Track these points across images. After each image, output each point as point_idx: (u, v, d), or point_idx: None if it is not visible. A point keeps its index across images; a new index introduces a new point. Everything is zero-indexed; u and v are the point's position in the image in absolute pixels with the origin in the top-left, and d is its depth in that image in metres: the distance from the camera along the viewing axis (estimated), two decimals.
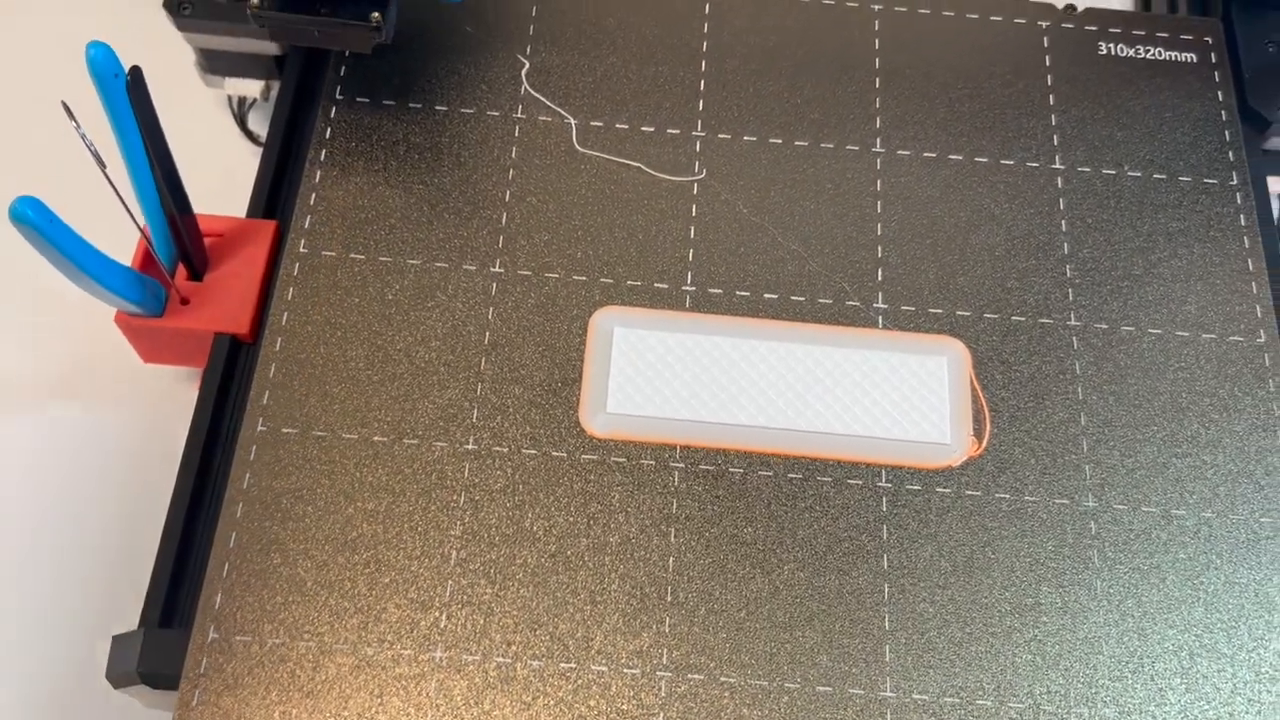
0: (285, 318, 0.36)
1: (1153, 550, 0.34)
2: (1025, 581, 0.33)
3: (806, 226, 0.39)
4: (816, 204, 0.39)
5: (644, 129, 0.40)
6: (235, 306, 0.37)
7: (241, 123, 0.46)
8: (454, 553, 0.33)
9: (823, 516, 0.34)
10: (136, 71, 0.32)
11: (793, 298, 0.37)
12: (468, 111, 0.40)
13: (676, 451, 0.35)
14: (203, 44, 0.44)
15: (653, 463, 0.35)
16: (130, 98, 0.31)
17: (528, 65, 0.40)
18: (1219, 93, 0.42)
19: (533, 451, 0.35)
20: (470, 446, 0.34)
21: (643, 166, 0.39)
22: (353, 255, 0.37)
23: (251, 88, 0.45)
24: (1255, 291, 0.38)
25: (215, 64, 0.45)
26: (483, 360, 0.36)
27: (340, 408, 0.35)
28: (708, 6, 0.42)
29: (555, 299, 0.37)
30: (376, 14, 0.35)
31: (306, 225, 0.38)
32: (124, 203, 0.34)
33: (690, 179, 0.39)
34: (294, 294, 0.36)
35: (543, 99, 0.40)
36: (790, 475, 0.35)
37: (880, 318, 0.37)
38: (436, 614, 0.32)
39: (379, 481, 0.34)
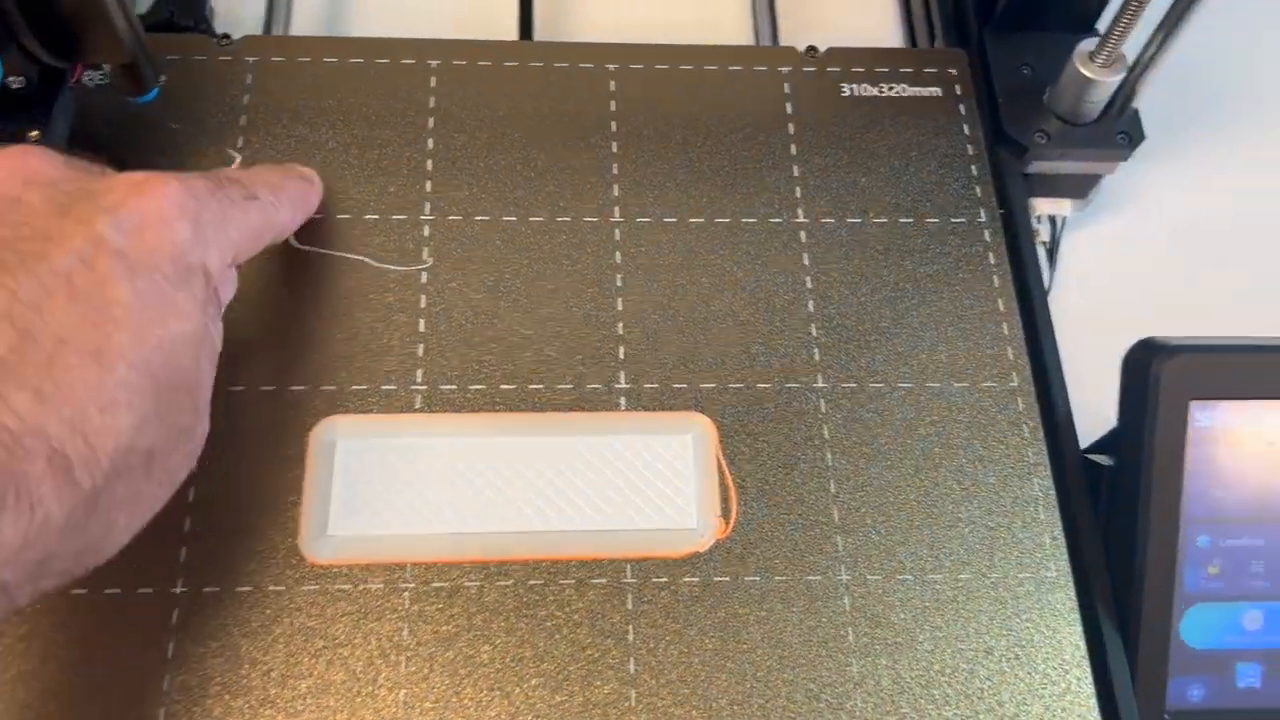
0: None
1: (909, 621, 0.33)
2: (777, 670, 0.32)
3: (544, 308, 0.37)
4: (555, 282, 0.37)
5: (368, 217, 0.38)
6: None
7: None
8: (160, 711, 0.30)
9: (565, 624, 0.32)
10: None
11: (531, 386, 0.36)
12: None
13: (407, 570, 0.33)
14: None
15: (381, 586, 0.32)
16: None
17: (238, 159, 0.38)
18: (965, 126, 0.41)
19: (248, 588, 0.32)
20: (179, 590, 0.32)
21: (366, 259, 0.37)
22: None
23: None
24: (1006, 333, 0.37)
25: None
26: (190, 491, 0.33)
27: None
28: (433, 79, 0.40)
29: (273, 413, 0.34)
30: (34, 132, 0.32)
31: None
32: None
33: (418, 268, 0.37)
34: None
35: None
36: (531, 582, 0.33)
37: (623, 399, 0.36)
38: None
39: (77, 639, 0.31)
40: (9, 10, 0.30)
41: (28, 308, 0.24)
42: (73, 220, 0.26)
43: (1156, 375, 0.34)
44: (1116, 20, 0.39)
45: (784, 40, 0.46)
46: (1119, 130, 0.43)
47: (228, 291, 0.34)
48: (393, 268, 0.37)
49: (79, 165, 0.29)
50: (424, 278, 0.37)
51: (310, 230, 0.37)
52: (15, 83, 0.32)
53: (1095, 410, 0.38)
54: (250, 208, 0.31)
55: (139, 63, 0.34)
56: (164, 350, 0.26)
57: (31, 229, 0.25)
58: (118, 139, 0.38)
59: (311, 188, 0.36)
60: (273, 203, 0.32)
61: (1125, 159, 0.43)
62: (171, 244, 0.27)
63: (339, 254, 0.37)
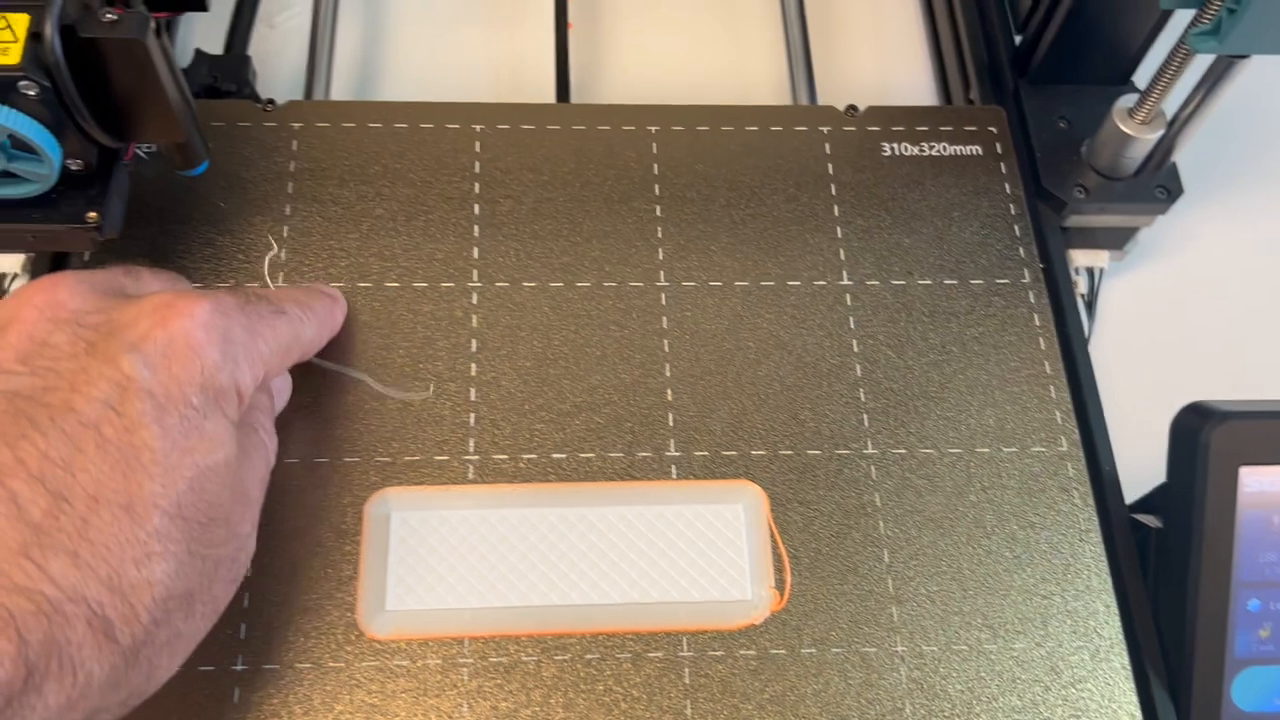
0: None
1: (966, 692, 0.33)
2: None
3: (593, 375, 0.37)
4: (602, 349, 0.37)
5: (416, 285, 0.38)
6: None
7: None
8: None
9: (623, 699, 0.32)
10: None
11: (582, 455, 0.36)
12: (223, 285, 0.37)
13: (465, 645, 0.33)
14: None
15: (439, 661, 0.32)
16: None
17: (275, 249, 0.38)
18: (1006, 185, 0.41)
19: (307, 665, 0.32)
20: (239, 667, 0.32)
21: (367, 379, 0.36)
22: None
23: (11, 263, 0.43)
24: (1054, 396, 0.37)
25: None
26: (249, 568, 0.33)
27: None
28: (477, 144, 0.41)
29: (326, 487, 0.35)
30: (94, 214, 0.32)
31: None
32: None
33: (419, 396, 0.36)
34: None
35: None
36: (588, 656, 0.33)
37: (673, 467, 0.36)
38: None
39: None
40: (71, 95, 0.30)
41: (59, 466, 0.24)
42: (99, 360, 0.26)
43: (1206, 441, 0.34)
44: (1157, 78, 0.39)
45: (819, 97, 0.46)
46: (1157, 184, 0.43)
47: (282, 398, 0.34)
48: (396, 394, 0.36)
49: (107, 284, 0.29)
50: (473, 345, 0.37)
51: (361, 296, 0.37)
52: (74, 165, 0.32)
53: (1138, 465, 0.38)
54: (279, 322, 0.31)
55: (191, 139, 0.34)
56: (196, 488, 0.26)
57: (59, 376, 0.26)
58: (167, 211, 0.38)
59: (336, 305, 0.36)
60: (300, 318, 0.32)
61: (1164, 212, 0.43)
62: (200, 371, 0.27)
63: (343, 369, 0.36)
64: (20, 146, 0.31)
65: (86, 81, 0.30)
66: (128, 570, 0.25)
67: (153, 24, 0.30)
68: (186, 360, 0.27)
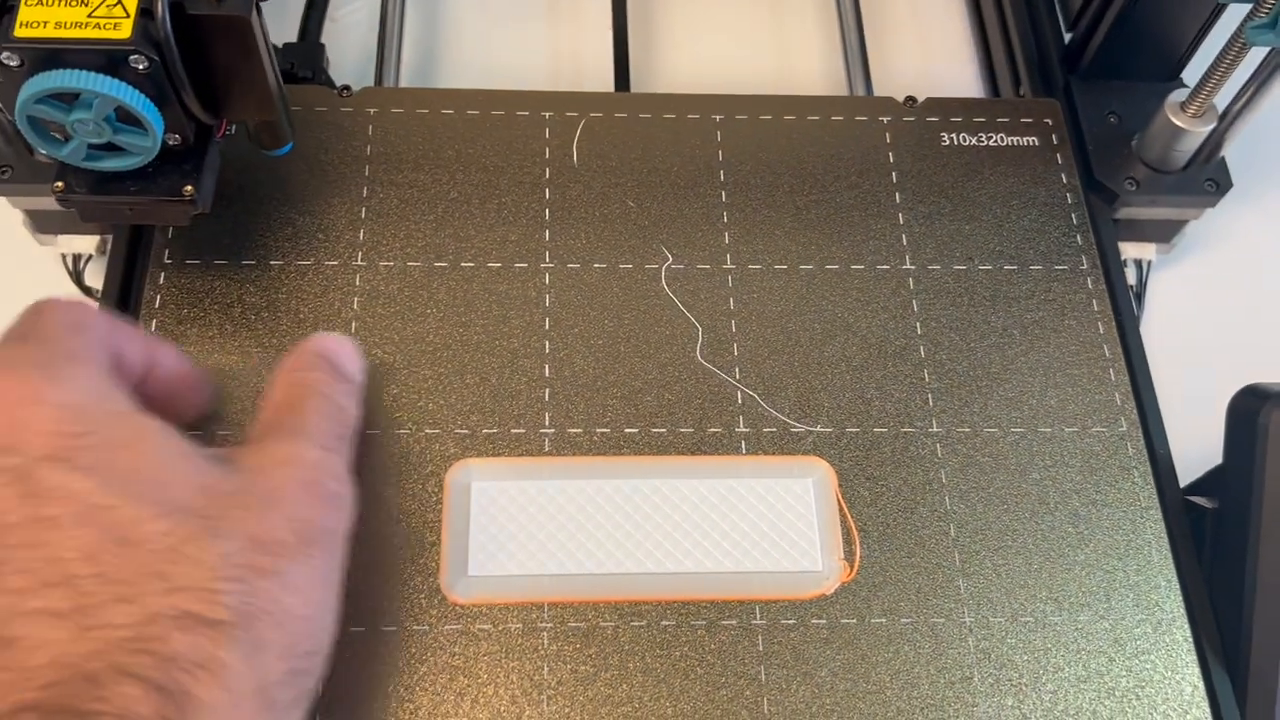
0: None
1: (1033, 663, 0.34)
2: (906, 713, 0.33)
3: (663, 353, 0.38)
4: (671, 329, 0.38)
5: (491, 264, 0.39)
6: None
7: (78, 280, 0.44)
8: None
9: (698, 665, 0.33)
10: None
11: (654, 430, 0.37)
12: (305, 264, 0.38)
13: (545, 610, 0.34)
14: (28, 205, 0.42)
15: (520, 626, 0.33)
16: None
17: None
18: (1063, 175, 0.42)
19: (392, 628, 0.33)
20: None
21: None
22: (192, 432, 0.35)
23: (86, 244, 0.44)
24: (1113, 378, 0.38)
25: (44, 223, 0.43)
26: None
27: None
28: (547, 131, 0.42)
29: (408, 457, 0.36)
30: (189, 187, 0.33)
31: None
32: None
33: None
34: None
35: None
36: (663, 623, 0.34)
37: (743, 442, 0.37)
38: None
39: None
40: (177, 70, 0.31)
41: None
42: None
43: (1265, 422, 0.35)
44: (1210, 73, 0.40)
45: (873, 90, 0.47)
46: (1207, 177, 0.44)
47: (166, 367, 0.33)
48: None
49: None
50: (546, 323, 0.38)
51: (436, 276, 0.38)
52: (172, 140, 0.33)
53: (1189, 450, 0.39)
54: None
55: (280, 119, 0.35)
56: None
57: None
58: (248, 190, 0.39)
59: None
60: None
61: (1213, 205, 0.44)
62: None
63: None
64: (125, 119, 0.32)
65: (190, 57, 0.31)
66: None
67: (255, 2, 0.31)
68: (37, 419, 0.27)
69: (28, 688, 0.23)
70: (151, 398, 0.32)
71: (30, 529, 0.25)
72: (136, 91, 0.31)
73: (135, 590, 0.24)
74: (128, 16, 0.30)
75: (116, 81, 0.30)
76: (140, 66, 0.30)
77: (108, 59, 0.30)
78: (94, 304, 0.32)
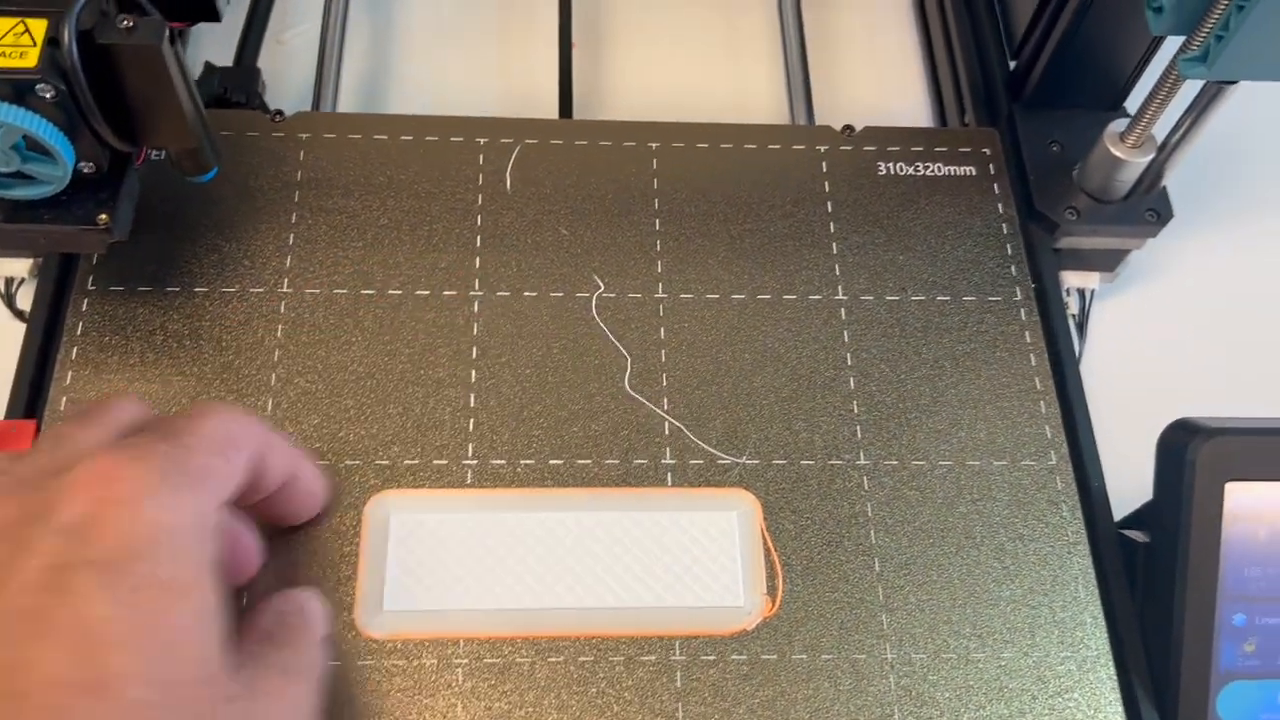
0: None
1: (954, 700, 0.33)
2: None
3: (591, 383, 0.38)
4: (600, 358, 0.38)
5: (419, 293, 0.39)
6: None
7: (9, 303, 0.44)
8: None
9: (615, 701, 0.33)
10: None
11: (579, 461, 0.36)
12: (230, 290, 0.38)
13: (460, 646, 0.33)
14: None
15: (434, 661, 0.33)
16: None
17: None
18: (999, 205, 0.42)
19: None
20: None
21: None
22: None
23: (19, 267, 0.43)
24: (1044, 411, 0.38)
25: None
26: None
27: None
28: (481, 157, 0.41)
29: None
30: (104, 215, 0.33)
31: None
32: None
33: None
34: None
35: None
36: (581, 659, 0.33)
37: (669, 474, 0.36)
38: None
39: None
40: (85, 99, 0.31)
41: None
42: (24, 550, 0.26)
43: (1192, 458, 0.35)
44: (1147, 103, 0.40)
45: (816, 119, 0.47)
46: (1148, 208, 0.44)
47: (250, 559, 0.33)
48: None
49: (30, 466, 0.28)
50: (473, 353, 0.38)
51: (363, 304, 0.38)
52: (87, 168, 0.33)
53: (1126, 482, 0.39)
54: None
55: (202, 146, 0.35)
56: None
57: None
58: (174, 217, 0.39)
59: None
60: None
61: (1154, 235, 0.44)
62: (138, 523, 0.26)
63: None
64: (35, 148, 0.31)
65: (101, 86, 0.31)
66: None
67: (168, 31, 0.31)
68: (118, 520, 0.26)
69: None
70: (279, 504, 0.33)
71: (24, 613, 0.24)
72: (43, 120, 0.30)
73: None
74: (34, 45, 0.30)
75: (21, 110, 0.30)
76: (48, 95, 0.30)
77: (13, 88, 0.30)
78: (253, 417, 0.31)
